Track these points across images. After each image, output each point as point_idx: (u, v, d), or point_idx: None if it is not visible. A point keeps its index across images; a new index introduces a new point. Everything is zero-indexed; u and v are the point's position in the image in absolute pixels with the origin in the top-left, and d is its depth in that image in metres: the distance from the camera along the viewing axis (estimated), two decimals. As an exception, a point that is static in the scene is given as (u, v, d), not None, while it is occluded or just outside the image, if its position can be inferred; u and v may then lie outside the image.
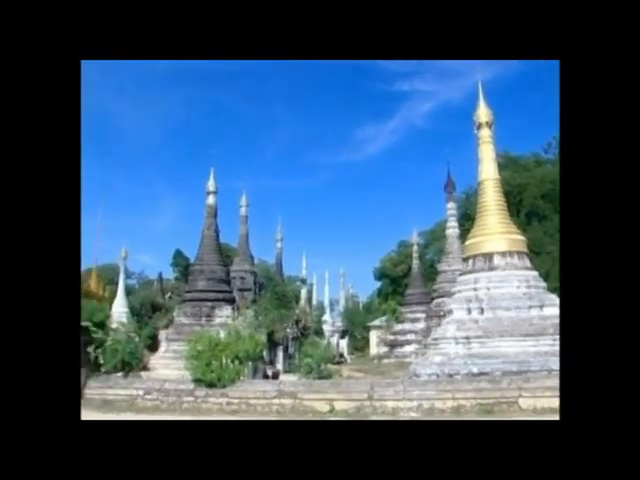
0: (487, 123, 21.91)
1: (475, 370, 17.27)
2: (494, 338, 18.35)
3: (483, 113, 21.99)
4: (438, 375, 17.78)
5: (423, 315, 38.18)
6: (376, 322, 50.26)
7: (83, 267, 54.98)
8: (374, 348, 48.20)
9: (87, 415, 14.63)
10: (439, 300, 33.95)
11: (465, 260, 22.13)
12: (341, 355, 48.58)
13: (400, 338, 40.08)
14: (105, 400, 16.07)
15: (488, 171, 21.71)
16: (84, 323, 18.19)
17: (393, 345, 40.38)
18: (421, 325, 38.03)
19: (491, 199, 21.32)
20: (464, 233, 32.68)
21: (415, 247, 44.94)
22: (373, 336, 50.21)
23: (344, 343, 55.12)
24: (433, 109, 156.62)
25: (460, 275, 22.31)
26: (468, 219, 37.69)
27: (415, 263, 44.13)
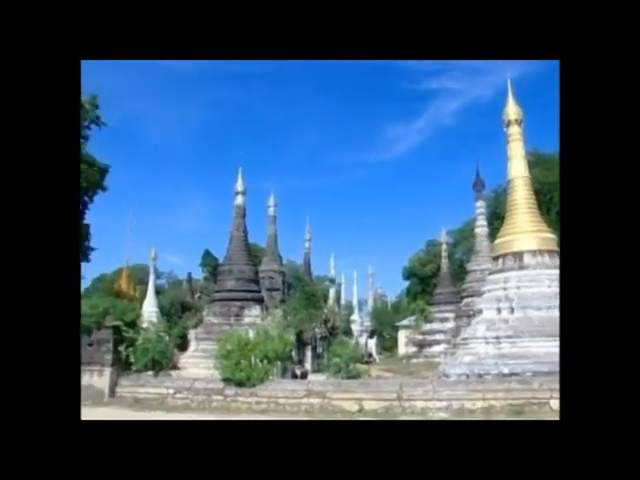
0: (516, 120, 21.65)
1: (506, 370, 17.08)
2: (525, 338, 18.12)
3: (512, 110, 21.72)
4: (468, 375, 17.63)
5: (452, 315, 37.93)
6: (405, 322, 50.05)
7: (114, 268, 55.56)
8: (402, 348, 48.01)
9: (119, 412, 14.90)
10: (468, 300, 33.66)
11: (495, 259, 21.90)
12: (370, 355, 48.41)
13: (429, 338, 39.89)
14: (136, 398, 16.27)
15: (518, 169, 21.44)
16: (115, 322, 18.48)
17: (422, 345, 40.21)
18: (450, 325, 37.79)
19: (521, 197, 21.05)
20: (493, 232, 32.36)
21: (444, 246, 44.67)
22: (402, 336, 50.00)
23: (372, 343, 54.95)
24: (461, 107, 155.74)
25: (490, 274, 22.08)
26: (497, 218, 37.30)
27: (444, 262, 43.85)
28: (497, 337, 18.76)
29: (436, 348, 37.65)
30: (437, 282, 45.73)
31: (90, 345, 18.57)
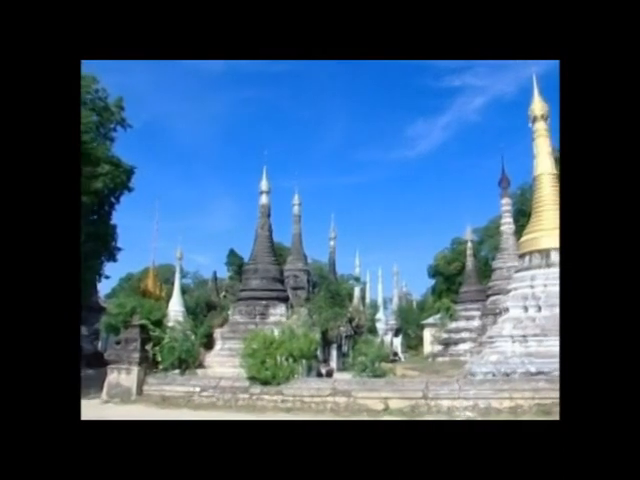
0: (542, 116, 21.36)
1: (533, 369, 16.90)
2: (552, 337, 17.85)
3: (538, 106, 21.44)
4: (494, 374, 17.47)
5: (478, 313, 37.64)
6: (430, 320, 49.87)
7: (141, 267, 56.08)
8: (428, 346, 47.87)
9: (146, 410, 15.05)
10: (494, 298, 33.38)
11: (521, 257, 21.64)
12: (395, 353, 48.33)
13: (454, 336, 39.67)
14: (163, 396, 16.42)
15: (544, 165, 21.16)
16: (142, 321, 18.65)
17: (447, 343, 40.02)
18: (476, 323, 37.54)
19: (547, 194, 20.76)
20: (519, 229, 32.03)
21: (469, 244, 44.36)
22: (427, 334, 49.86)
23: (398, 341, 54.83)
24: (486, 103, 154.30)
25: (516, 272, 21.84)
26: (523, 215, 36.92)
27: (469, 260, 43.55)
28: (524, 335, 18.55)
29: (462, 346, 37.46)
30: (462, 280, 45.49)
31: (118, 343, 18.80)
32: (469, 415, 13.14)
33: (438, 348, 41.65)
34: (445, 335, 41.30)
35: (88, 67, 20.68)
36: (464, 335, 38.55)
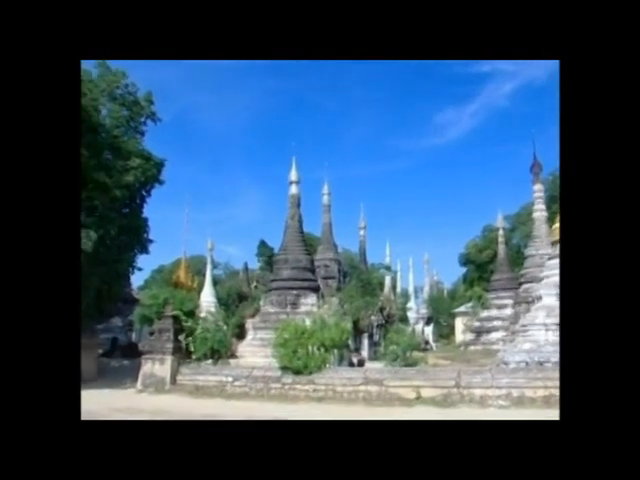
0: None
1: (566, 357, 16.68)
2: (586, 325, 17.65)
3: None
4: (527, 363, 17.33)
5: (510, 301, 37.27)
6: (461, 309, 49.60)
7: (172, 259, 56.68)
8: (460, 335, 47.60)
9: (180, 400, 15.28)
10: (527, 286, 32.97)
11: (554, 244, 21.39)
12: (426, 342, 48.14)
13: (486, 325, 39.39)
14: (196, 386, 16.66)
15: (577, 151, 20.76)
16: (175, 312, 18.92)
17: (479, 332, 39.74)
18: (508, 311, 37.17)
19: (581, 180, 20.38)
20: (551, 216, 31.61)
21: (501, 231, 43.86)
22: (458, 323, 49.57)
23: (429, 330, 54.59)
24: (516, 89, 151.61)
25: (549, 259, 21.60)
26: (555, 202, 36.28)
27: (501, 248, 43.12)
28: (557, 323, 18.33)
29: (494, 335, 37.18)
30: (494, 268, 45.05)
31: (151, 334, 19.10)
32: (502, 404, 13.07)
33: (470, 337, 41.36)
34: (477, 324, 41.01)
35: (117, 63, 20.98)
36: (496, 324, 38.25)
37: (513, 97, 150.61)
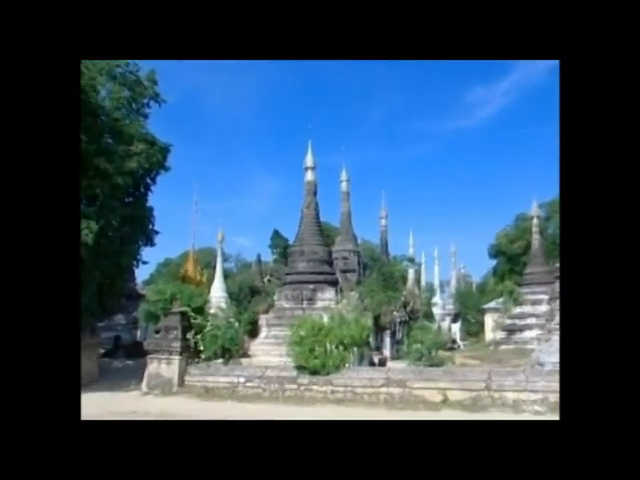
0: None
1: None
2: (630, 321, 17.41)
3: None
4: (565, 363, 17.10)
5: (545, 297, 36.83)
6: (492, 304, 49.22)
7: (180, 252, 56.90)
8: (490, 333, 47.27)
9: (188, 402, 15.27)
10: (563, 279, 32.63)
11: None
12: (453, 341, 47.94)
13: (519, 322, 39.08)
14: (206, 387, 16.68)
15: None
16: (183, 308, 18.90)
17: (511, 330, 39.44)
18: (543, 308, 36.78)
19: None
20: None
21: (535, 221, 43.38)
22: (488, 320, 49.22)
23: (456, 328, 54.37)
24: (551, 65, 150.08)
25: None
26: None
27: (535, 238, 42.66)
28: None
29: (528, 333, 36.86)
30: (528, 260, 44.68)
31: (157, 332, 19.13)
32: (538, 410, 12.90)
33: (501, 335, 41.05)
34: (509, 321, 40.70)
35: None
36: (530, 321, 37.94)
37: (549, 74, 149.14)
